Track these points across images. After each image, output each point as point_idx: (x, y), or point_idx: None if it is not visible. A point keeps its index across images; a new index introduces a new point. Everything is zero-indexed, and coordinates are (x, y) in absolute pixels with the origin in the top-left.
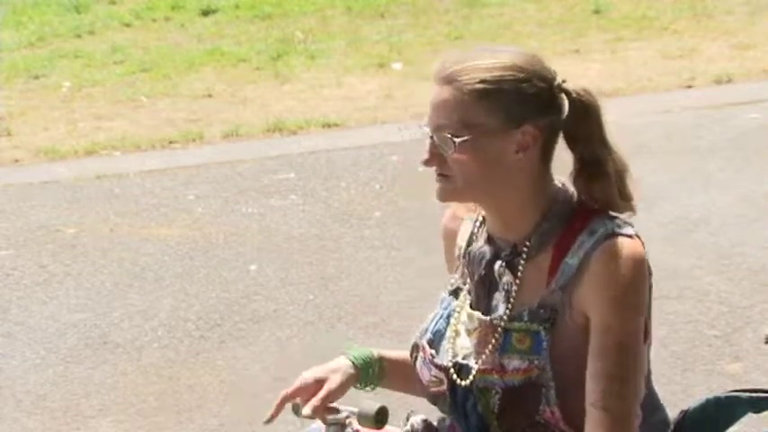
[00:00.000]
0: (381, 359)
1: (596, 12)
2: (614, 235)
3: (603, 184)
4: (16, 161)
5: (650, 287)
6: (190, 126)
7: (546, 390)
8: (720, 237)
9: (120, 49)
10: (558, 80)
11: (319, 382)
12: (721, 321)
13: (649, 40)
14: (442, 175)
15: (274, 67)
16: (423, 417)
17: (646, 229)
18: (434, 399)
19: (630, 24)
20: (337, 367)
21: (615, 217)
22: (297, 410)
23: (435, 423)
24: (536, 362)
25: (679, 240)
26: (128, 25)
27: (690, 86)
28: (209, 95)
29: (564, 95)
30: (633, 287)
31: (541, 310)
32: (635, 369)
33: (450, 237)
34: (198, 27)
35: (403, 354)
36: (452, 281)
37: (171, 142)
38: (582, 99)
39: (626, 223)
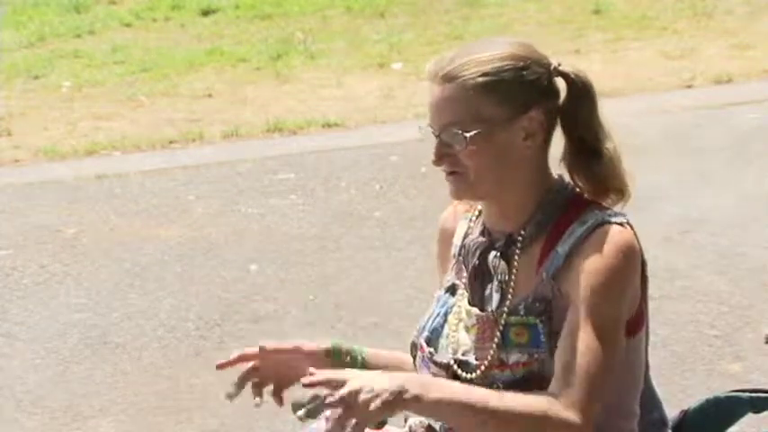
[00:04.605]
0: (356, 350)
1: (596, 12)
2: (604, 223)
3: (602, 165)
4: (16, 161)
5: (645, 277)
6: (190, 126)
7: (548, 382)
8: (720, 237)
9: (120, 49)
10: (554, 63)
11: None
12: (721, 321)
13: (649, 40)
14: (454, 173)
15: (274, 67)
16: (421, 418)
17: (646, 229)
18: None
19: (630, 24)
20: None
21: (607, 208)
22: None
23: (434, 424)
24: (536, 355)
25: (679, 240)
26: (128, 25)
27: (690, 86)
28: (209, 95)
29: (562, 78)
30: (620, 275)
31: (537, 303)
32: (606, 357)
33: (447, 237)
34: (198, 27)
35: (395, 353)
36: (448, 278)
37: (171, 142)
38: (581, 79)
39: (618, 213)
